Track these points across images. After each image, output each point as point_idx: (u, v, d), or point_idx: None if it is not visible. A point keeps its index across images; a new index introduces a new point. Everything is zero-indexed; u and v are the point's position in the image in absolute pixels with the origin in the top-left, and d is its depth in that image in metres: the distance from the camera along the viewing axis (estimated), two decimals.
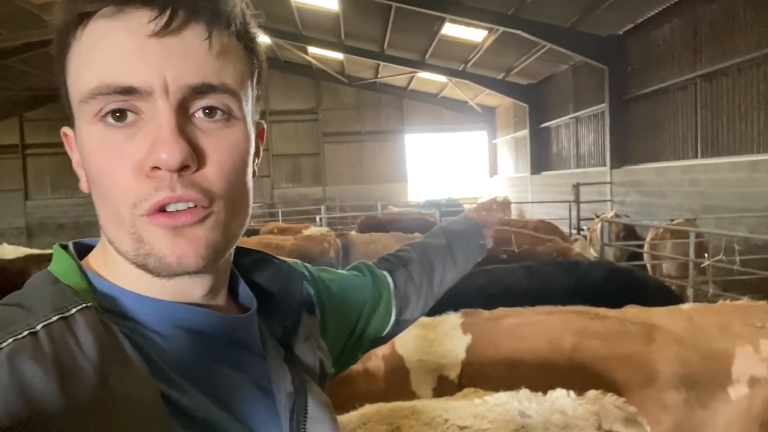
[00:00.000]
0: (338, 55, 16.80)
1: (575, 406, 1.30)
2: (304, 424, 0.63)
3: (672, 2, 9.35)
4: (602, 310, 2.12)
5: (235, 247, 0.63)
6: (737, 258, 5.02)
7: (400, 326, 1.03)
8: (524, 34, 11.00)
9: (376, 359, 2.23)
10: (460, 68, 15.56)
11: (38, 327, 0.48)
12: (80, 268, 0.59)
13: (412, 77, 18.13)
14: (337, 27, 14.08)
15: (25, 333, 0.47)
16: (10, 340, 0.47)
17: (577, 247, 5.79)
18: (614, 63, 11.05)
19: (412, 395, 2.13)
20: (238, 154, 0.57)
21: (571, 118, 13.96)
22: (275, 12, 13.44)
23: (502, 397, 1.35)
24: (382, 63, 16.58)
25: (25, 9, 10.76)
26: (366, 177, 20.66)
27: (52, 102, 17.66)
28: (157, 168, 0.51)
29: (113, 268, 0.59)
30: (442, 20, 11.92)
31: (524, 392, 1.33)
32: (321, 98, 20.39)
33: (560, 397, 1.29)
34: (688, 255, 5.48)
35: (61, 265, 0.59)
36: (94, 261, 0.61)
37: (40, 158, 19.46)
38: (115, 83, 0.51)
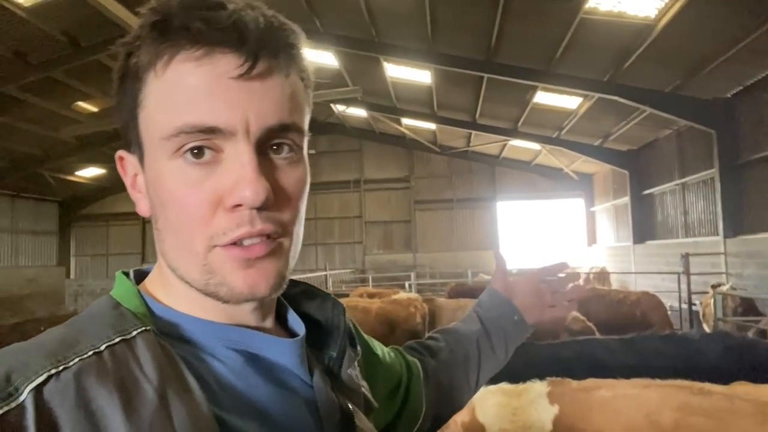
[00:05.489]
0: (431, 126, 17.24)
1: None
2: None
3: None
4: (706, 385, 1.90)
5: None
6: None
7: (433, 421, 0.95)
8: (622, 100, 10.74)
9: (455, 426, 2.13)
10: (554, 135, 15.33)
11: (102, 347, 0.51)
12: (139, 293, 0.62)
13: (505, 145, 18.12)
14: (429, 99, 14.55)
15: (90, 353, 0.50)
16: (76, 360, 0.49)
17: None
18: (723, 127, 10.36)
19: None
20: (303, 186, 0.61)
21: (676, 184, 13.17)
22: (372, 87, 14.21)
23: None
24: (474, 132, 16.79)
25: None
26: (457, 244, 20.51)
27: None
28: (239, 205, 0.54)
29: (170, 292, 0.62)
30: (534, 89, 11.95)
31: None
32: (413, 167, 20.87)
33: None
34: None
35: (122, 290, 0.62)
36: (150, 285, 0.64)
37: None
38: (200, 123, 0.54)
